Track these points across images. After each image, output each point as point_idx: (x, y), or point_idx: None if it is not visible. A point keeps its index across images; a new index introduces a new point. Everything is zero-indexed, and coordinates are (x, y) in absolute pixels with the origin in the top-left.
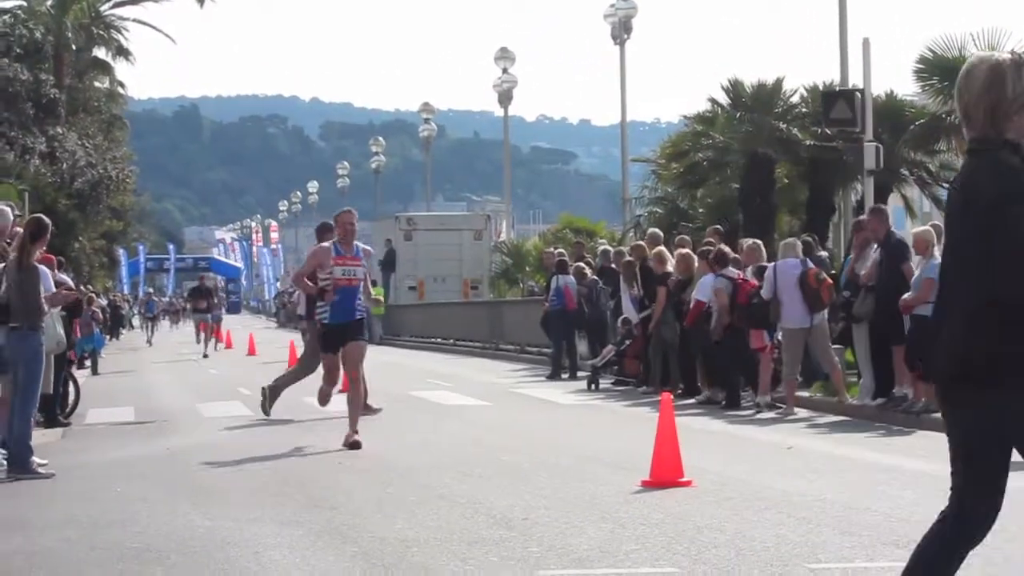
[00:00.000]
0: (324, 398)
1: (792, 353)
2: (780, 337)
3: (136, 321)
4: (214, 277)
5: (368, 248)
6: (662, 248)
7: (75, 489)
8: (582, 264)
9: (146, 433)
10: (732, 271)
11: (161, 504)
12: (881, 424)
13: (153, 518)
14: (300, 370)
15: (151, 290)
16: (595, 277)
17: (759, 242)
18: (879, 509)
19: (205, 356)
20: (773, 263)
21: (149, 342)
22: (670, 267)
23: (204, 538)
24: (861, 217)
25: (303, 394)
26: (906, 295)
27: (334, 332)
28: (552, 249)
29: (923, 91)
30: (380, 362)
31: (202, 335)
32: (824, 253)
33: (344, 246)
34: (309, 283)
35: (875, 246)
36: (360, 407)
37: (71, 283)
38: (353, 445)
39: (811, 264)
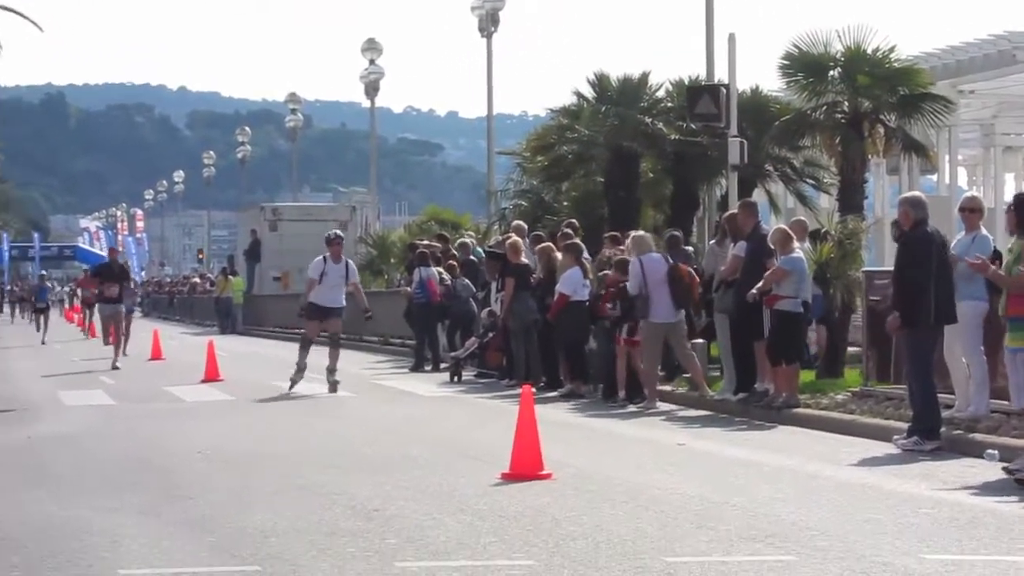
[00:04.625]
0: None
1: (653, 348)
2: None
3: (6, 309)
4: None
5: None
6: (516, 239)
7: None
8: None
9: (5, 421)
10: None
11: (18, 493)
12: (742, 419)
13: (10, 507)
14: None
15: (44, 272)
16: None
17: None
18: (736, 503)
19: (116, 367)
20: (638, 258)
21: (43, 341)
22: (524, 259)
23: (61, 527)
24: (732, 212)
25: (166, 383)
26: (756, 288)
27: None
28: (418, 240)
29: (788, 87)
30: (242, 352)
31: (110, 336)
32: (690, 248)
33: None
34: None
35: (732, 242)
36: None
37: None
38: None
39: (670, 259)
